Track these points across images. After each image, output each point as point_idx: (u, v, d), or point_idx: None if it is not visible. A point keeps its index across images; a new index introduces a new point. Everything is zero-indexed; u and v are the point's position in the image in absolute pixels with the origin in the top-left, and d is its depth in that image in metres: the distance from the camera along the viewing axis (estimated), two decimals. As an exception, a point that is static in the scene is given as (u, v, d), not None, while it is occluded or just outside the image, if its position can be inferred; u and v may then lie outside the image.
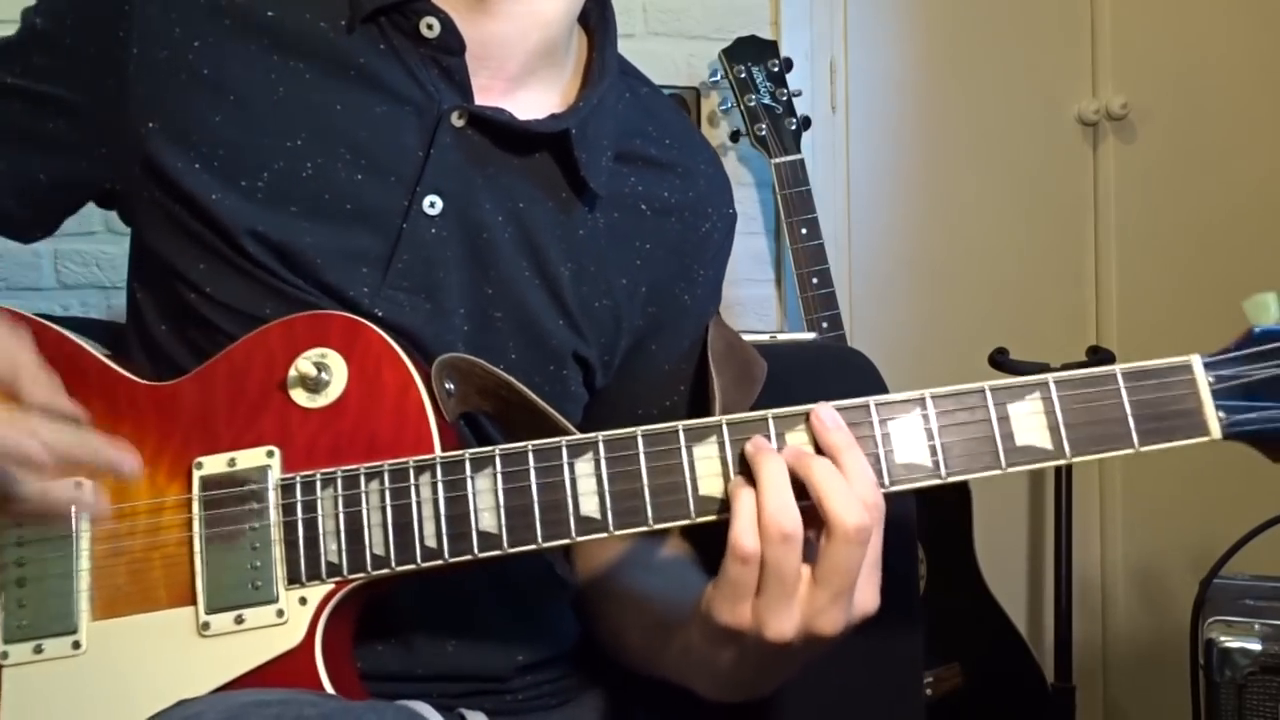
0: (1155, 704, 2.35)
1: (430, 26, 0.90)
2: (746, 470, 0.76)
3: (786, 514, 0.73)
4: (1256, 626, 1.52)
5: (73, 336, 0.88)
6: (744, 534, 0.73)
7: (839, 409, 0.77)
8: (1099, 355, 2.14)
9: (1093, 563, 2.48)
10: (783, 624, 0.73)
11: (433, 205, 0.90)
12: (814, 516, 0.73)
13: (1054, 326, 2.43)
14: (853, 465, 0.74)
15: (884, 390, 1.30)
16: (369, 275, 0.89)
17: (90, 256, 1.89)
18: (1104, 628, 2.49)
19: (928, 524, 2.04)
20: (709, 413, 0.83)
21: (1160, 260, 2.43)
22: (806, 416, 0.77)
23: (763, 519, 0.73)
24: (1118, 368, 0.77)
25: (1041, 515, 2.39)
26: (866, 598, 0.75)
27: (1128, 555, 2.47)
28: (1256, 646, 1.50)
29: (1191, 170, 2.41)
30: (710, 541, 0.95)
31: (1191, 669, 1.58)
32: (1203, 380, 0.76)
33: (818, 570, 0.73)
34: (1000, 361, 2.16)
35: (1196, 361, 0.77)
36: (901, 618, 1.03)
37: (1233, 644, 1.51)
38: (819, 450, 0.76)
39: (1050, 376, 0.77)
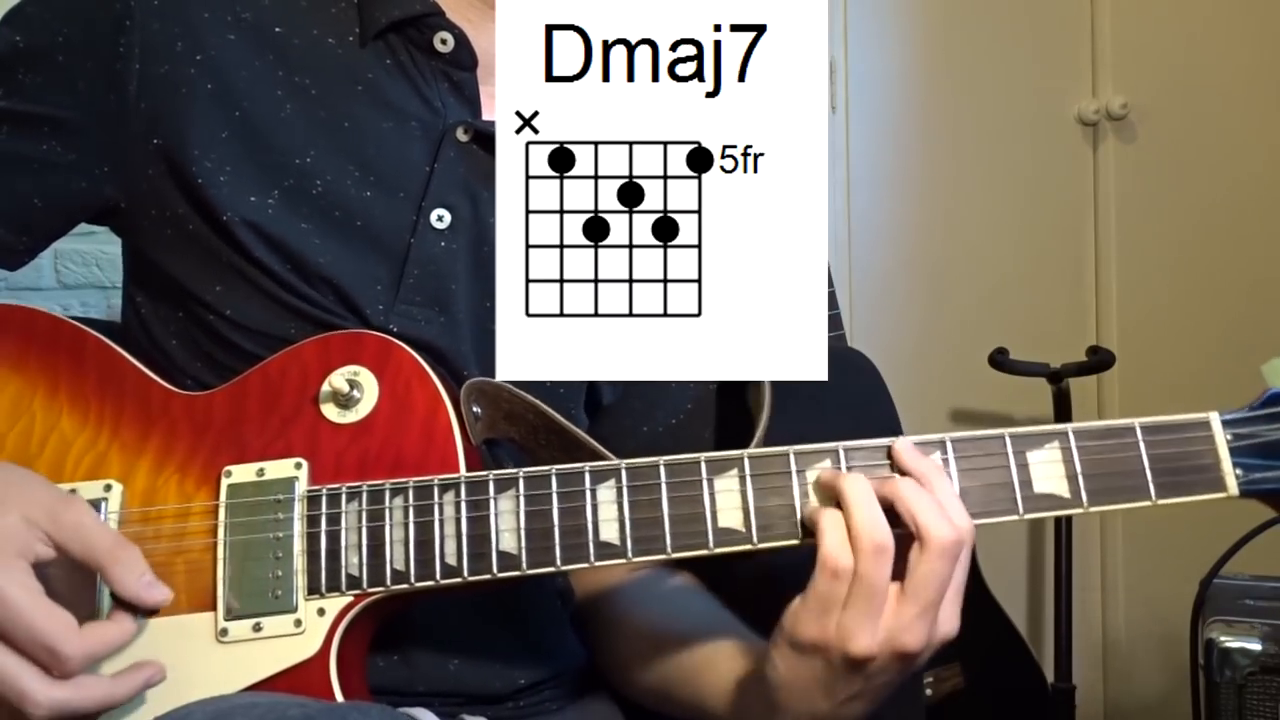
0: (1155, 704, 2.35)
1: (444, 41, 0.90)
2: (822, 498, 0.77)
3: (878, 526, 0.74)
4: (1256, 626, 1.53)
5: (110, 343, 0.88)
6: (835, 549, 0.74)
7: (858, 449, 0.78)
8: (1099, 355, 2.14)
9: (1093, 563, 2.48)
10: (867, 637, 0.74)
11: (441, 219, 0.90)
12: (899, 539, 0.75)
13: (1054, 326, 2.42)
14: (942, 489, 0.76)
15: (884, 390, 1.30)
16: (382, 291, 0.89)
17: (90, 256, 1.88)
18: (1104, 628, 2.49)
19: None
20: (754, 416, 0.85)
21: (1160, 260, 2.43)
22: (828, 454, 0.78)
23: (855, 533, 0.74)
24: (1137, 421, 0.78)
25: (1041, 514, 2.39)
26: (949, 619, 0.76)
27: (1128, 555, 2.47)
28: (1256, 646, 1.51)
29: (1191, 170, 2.41)
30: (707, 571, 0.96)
31: (1191, 669, 1.58)
32: (1221, 437, 0.78)
33: (908, 584, 0.74)
34: (1000, 361, 2.16)
35: (1215, 418, 0.78)
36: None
37: (1233, 644, 1.52)
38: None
39: (1070, 426, 0.78)
